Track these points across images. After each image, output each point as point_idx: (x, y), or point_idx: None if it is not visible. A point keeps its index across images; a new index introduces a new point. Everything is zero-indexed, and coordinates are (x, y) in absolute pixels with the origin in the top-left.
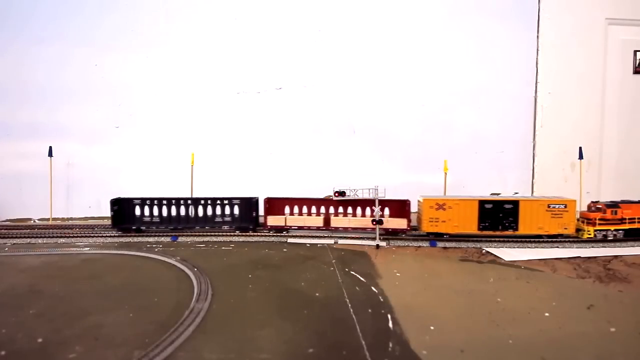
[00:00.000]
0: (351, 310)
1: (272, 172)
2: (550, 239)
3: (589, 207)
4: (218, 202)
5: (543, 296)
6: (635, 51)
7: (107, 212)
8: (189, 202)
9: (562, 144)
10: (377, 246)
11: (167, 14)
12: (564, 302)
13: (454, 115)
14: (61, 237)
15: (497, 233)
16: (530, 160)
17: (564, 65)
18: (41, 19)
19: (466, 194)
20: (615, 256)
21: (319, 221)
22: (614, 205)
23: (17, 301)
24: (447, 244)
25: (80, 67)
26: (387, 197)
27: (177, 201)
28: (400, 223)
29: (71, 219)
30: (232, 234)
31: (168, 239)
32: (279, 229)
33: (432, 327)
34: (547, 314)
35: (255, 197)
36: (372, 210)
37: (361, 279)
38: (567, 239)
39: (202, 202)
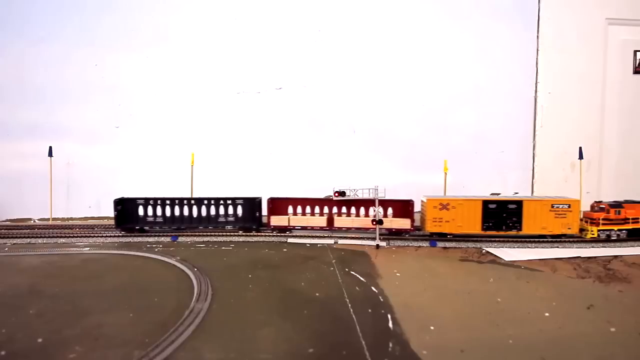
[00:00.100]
0: (351, 310)
1: (271, 172)
2: (550, 239)
3: (592, 207)
4: (221, 202)
5: (543, 296)
6: (635, 51)
7: (107, 212)
8: (193, 202)
9: (562, 144)
10: (377, 246)
11: (166, 14)
12: (564, 302)
13: (454, 115)
14: (61, 237)
15: (501, 233)
16: (530, 160)
17: (564, 65)
18: (41, 19)
19: (466, 194)
20: (615, 256)
21: (322, 221)
22: (617, 205)
23: (17, 301)
24: (447, 244)
25: (80, 67)
26: (389, 197)
27: (181, 201)
28: (403, 223)
29: (71, 219)
30: (231, 233)
31: (168, 239)
32: (282, 229)
33: (432, 327)
34: (547, 314)
35: (258, 197)
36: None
37: (361, 279)
38: (566, 239)
39: (206, 202)
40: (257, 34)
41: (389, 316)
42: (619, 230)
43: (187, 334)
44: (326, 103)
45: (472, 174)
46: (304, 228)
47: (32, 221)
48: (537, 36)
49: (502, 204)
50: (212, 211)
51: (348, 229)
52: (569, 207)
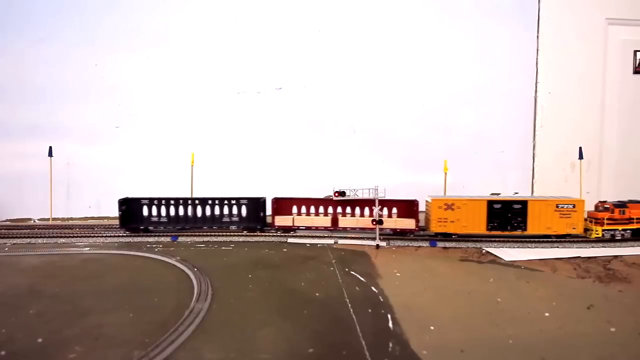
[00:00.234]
0: (351, 310)
1: (271, 172)
2: (550, 239)
3: (596, 207)
4: (225, 202)
5: (543, 296)
6: (635, 51)
7: (107, 212)
8: (197, 202)
9: (562, 144)
10: (377, 246)
11: (166, 14)
12: (564, 302)
13: (454, 115)
14: (61, 237)
15: (506, 233)
16: (530, 160)
17: (564, 65)
18: (41, 19)
19: (466, 194)
20: (615, 256)
21: (326, 221)
22: (622, 205)
23: (17, 301)
24: (447, 244)
25: (80, 67)
26: (393, 198)
27: (185, 201)
28: (408, 223)
29: (71, 219)
30: (231, 233)
31: (168, 239)
32: (286, 229)
33: (432, 327)
34: (547, 314)
35: (262, 197)
36: (381, 210)
37: (361, 278)
38: (570, 239)
39: (210, 202)
40: (257, 34)
41: (389, 316)
42: (623, 230)
43: (187, 334)
44: (326, 103)
45: (472, 174)
46: (308, 228)
47: (32, 221)
48: (537, 36)
49: (507, 204)
50: (217, 211)
51: (353, 229)
52: (574, 207)
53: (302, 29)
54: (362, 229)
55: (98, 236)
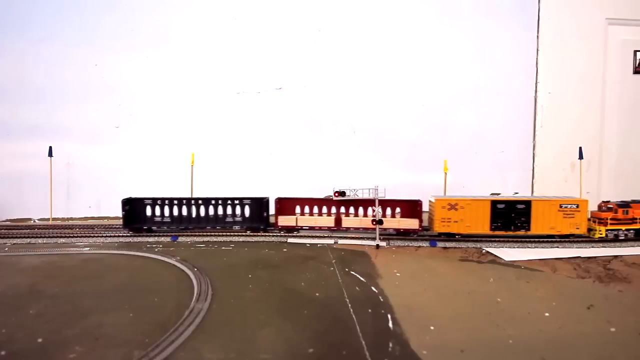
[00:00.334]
0: (351, 310)
1: (271, 172)
2: (550, 239)
3: (599, 206)
4: (229, 202)
5: (543, 296)
6: (635, 51)
7: (107, 212)
8: (200, 202)
9: (562, 144)
10: (377, 246)
11: (166, 14)
12: (564, 302)
13: (454, 115)
14: (61, 237)
15: (510, 233)
16: (530, 160)
17: (564, 65)
18: (41, 19)
19: (466, 194)
20: (615, 256)
21: (330, 221)
22: (625, 205)
23: (17, 301)
24: (447, 244)
25: (80, 67)
26: (397, 198)
27: (188, 201)
28: (411, 223)
29: (71, 219)
30: (231, 233)
31: (168, 239)
32: (290, 229)
33: (432, 327)
34: (547, 314)
35: (266, 197)
36: (384, 210)
37: (361, 279)
38: (566, 239)
39: (213, 202)
40: (257, 34)
41: (389, 316)
42: (626, 230)
43: (187, 334)
44: (326, 103)
45: (472, 174)
46: (312, 228)
47: (32, 221)
48: (537, 36)
49: (511, 204)
50: (220, 211)
51: (356, 229)
52: (577, 207)
53: (302, 29)
54: (366, 229)
55: (98, 236)
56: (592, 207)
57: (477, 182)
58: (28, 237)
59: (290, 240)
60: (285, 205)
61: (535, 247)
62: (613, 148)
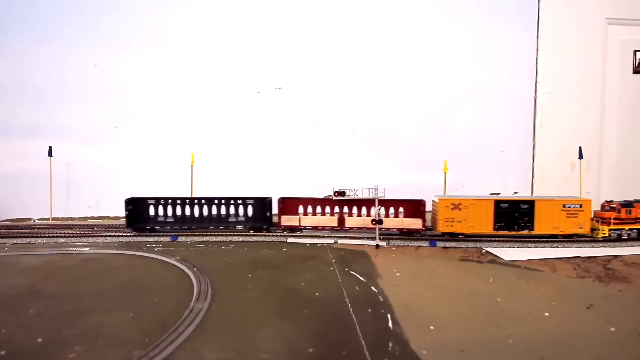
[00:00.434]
0: (351, 310)
1: (271, 172)
2: (550, 239)
3: (603, 206)
4: (232, 202)
5: (543, 296)
6: (635, 51)
7: (107, 212)
8: (203, 202)
9: (562, 144)
10: (377, 246)
11: (166, 14)
12: (564, 302)
13: (454, 115)
14: (61, 237)
15: (513, 233)
16: (530, 160)
17: (564, 65)
18: (41, 19)
19: (466, 194)
20: (615, 256)
21: (333, 221)
22: (628, 204)
23: (17, 301)
24: (447, 244)
25: (80, 67)
26: (400, 198)
27: (192, 201)
28: (415, 223)
29: (71, 219)
30: (231, 233)
31: (168, 239)
32: (293, 229)
33: (432, 327)
34: (547, 314)
35: (269, 197)
36: (387, 210)
37: (361, 279)
38: (565, 239)
39: (216, 202)
40: (257, 34)
41: (389, 316)
42: (630, 229)
43: (187, 334)
44: (326, 103)
45: (472, 174)
46: (315, 228)
47: (32, 221)
48: (537, 36)
49: (515, 204)
50: (223, 211)
51: (360, 229)
52: (581, 207)
53: (302, 29)
54: (369, 229)
55: (98, 236)
56: (595, 207)
57: (477, 182)
58: (28, 237)
59: (290, 240)
60: (289, 205)
61: (535, 247)
62: (613, 148)
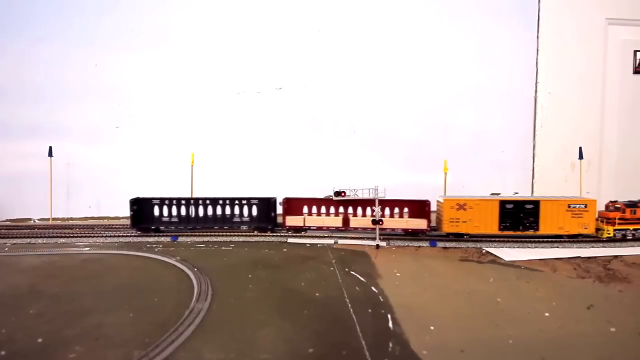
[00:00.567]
0: (351, 310)
1: (271, 172)
2: (550, 239)
3: (607, 206)
4: (236, 202)
5: (543, 296)
6: (635, 51)
7: (107, 212)
8: (208, 202)
9: (562, 144)
10: (377, 246)
11: (167, 14)
12: (564, 302)
13: (454, 115)
14: (61, 237)
15: (518, 233)
16: (530, 160)
17: (564, 65)
18: (41, 19)
19: (466, 194)
20: (615, 256)
21: (338, 221)
22: (633, 204)
23: (17, 301)
24: (447, 244)
25: (80, 67)
26: (404, 198)
27: (196, 201)
28: (419, 223)
29: (71, 219)
30: (231, 233)
31: (168, 239)
32: (297, 229)
33: (432, 327)
34: (547, 314)
35: (273, 197)
36: (392, 210)
37: (361, 279)
38: (565, 239)
39: (221, 202)
40: (257, 34)
41: (389, 316)
42: (634, 229)
43: (187, 334)
44: (326, 103)
45: (472, 174)
46: (319, 228)
47: (32, 221)
48: (537, 36)
49: (519, 204)
50: (227, 211)
51: (364, 229)
52: (586, 207)
53: (302, 29)
54: (373, 229)
55: (98, 236)
56: (602, 207)
57: (477, 182)
58: (28, 237)
59: (290, 240)
60: (293, 205)
61: (535, 247)
62: (613, 148)
